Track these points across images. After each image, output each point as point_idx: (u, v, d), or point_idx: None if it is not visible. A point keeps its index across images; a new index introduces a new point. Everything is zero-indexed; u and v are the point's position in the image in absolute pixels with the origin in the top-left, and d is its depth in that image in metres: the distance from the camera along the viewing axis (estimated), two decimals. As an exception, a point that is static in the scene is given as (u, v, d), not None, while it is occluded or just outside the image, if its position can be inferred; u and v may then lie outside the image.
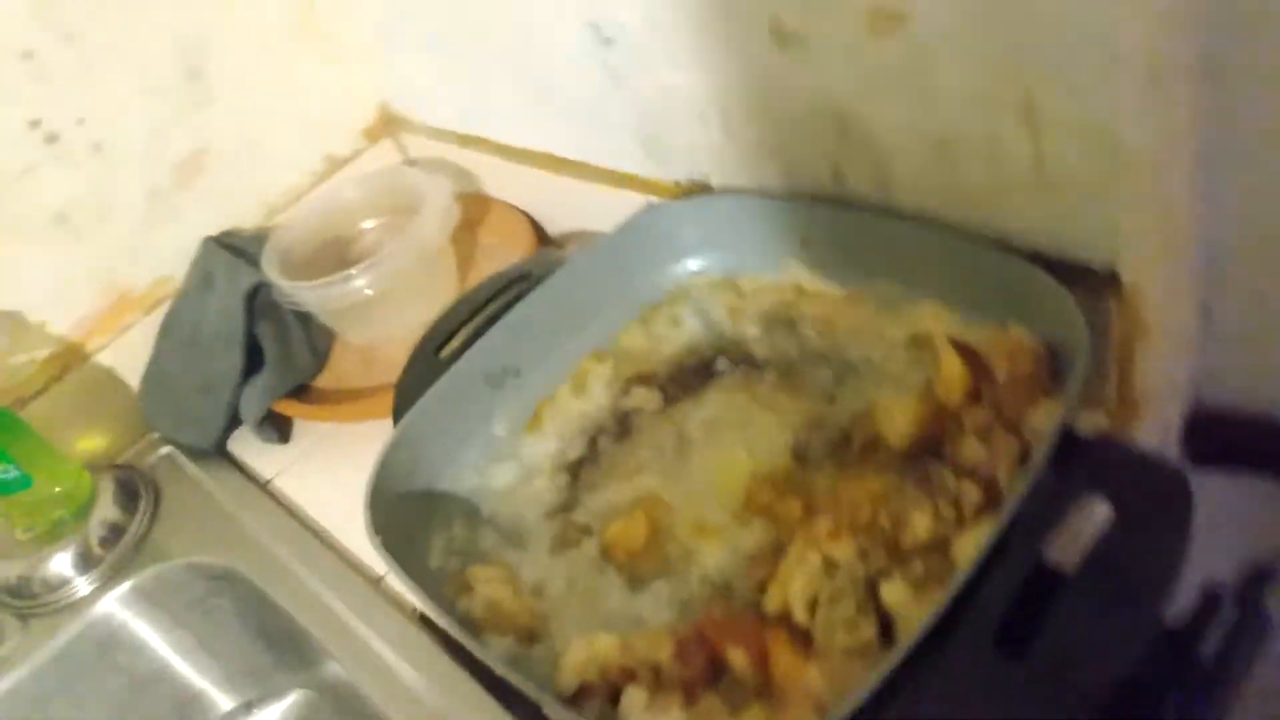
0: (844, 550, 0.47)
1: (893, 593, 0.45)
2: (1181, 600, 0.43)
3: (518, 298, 0.64)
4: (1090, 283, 0.53)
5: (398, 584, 0.51)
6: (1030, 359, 0.51)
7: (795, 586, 0.46)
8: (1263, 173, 0.54)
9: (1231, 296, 0.61)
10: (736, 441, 0.57)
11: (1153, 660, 0.40)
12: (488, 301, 0.65)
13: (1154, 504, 0.43)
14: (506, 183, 0.88)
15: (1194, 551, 0.77)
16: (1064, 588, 0.41)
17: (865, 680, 0.39)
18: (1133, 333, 0.55)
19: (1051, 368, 0.52)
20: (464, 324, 0.65)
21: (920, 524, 0.46)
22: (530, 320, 0.64)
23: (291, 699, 0.75)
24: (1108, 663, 0.39)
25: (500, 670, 0.44)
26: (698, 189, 0.71)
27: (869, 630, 0.44)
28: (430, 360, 0.63)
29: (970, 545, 0.45)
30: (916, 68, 0.51)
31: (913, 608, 0.44)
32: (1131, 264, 0.52)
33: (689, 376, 0.63)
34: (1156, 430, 0.64)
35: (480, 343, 0.62)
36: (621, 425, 0.61)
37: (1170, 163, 0.52)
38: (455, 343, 0.65)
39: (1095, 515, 0.43)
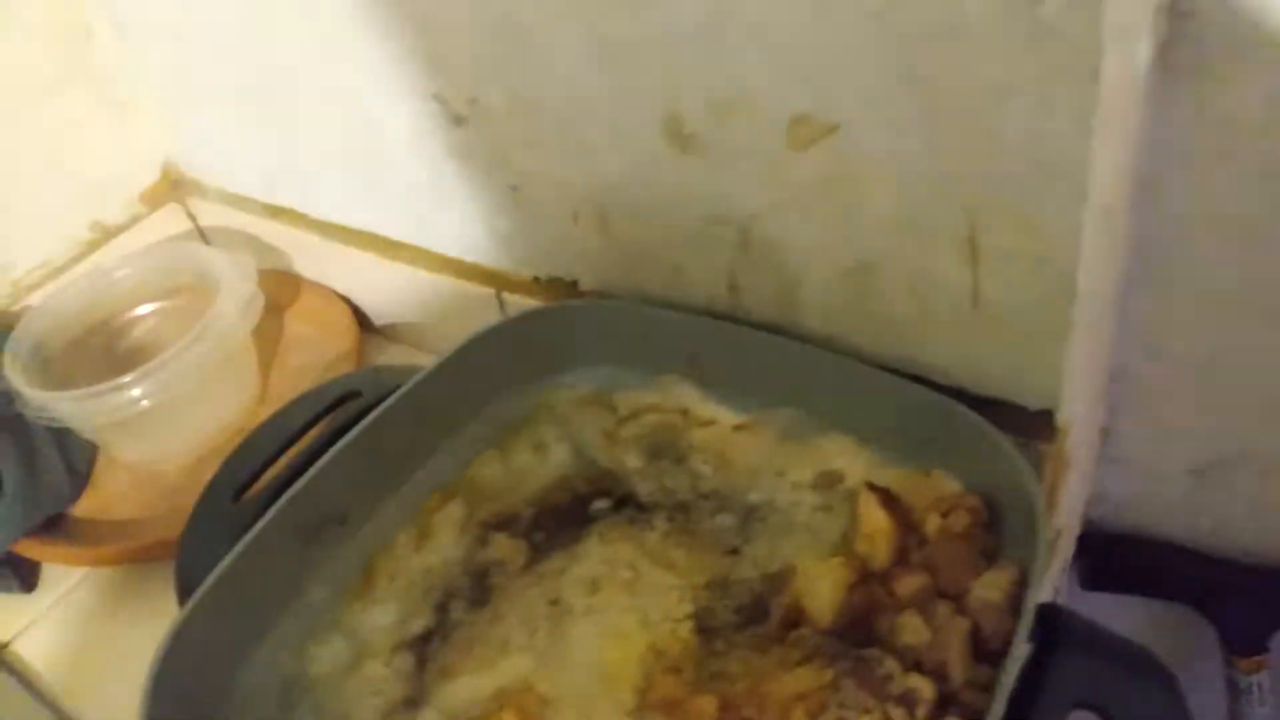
0: (777, 774, 0.38)
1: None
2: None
3: (343, 427, 0.52)
4: (1019, 422, 0.47)
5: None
6: (967, 514, 0.45)
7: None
8: (1175, 298, 0.51)
9: (1131, 420, 0.58)
10: (626, 609, 0.47)
11: None
12: (303, 429, 0.53)
13: (1156, 698, 0.37)
14: (324, 264, 0.75)
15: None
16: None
17: None
18: (1059, 472, 0.50)
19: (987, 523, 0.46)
20: (271, 460, 0.52)
21: (867, 737, 0.38)
22: (360, 455, 0.51)
23: None
24: None
25: None
26: (562, 287, 0.61)
27: None
28: (225, 509, 0.50)
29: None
30: (841, 186, 0.44)
31: None
32: (1067, 403, 0.47)
33: (561, 520, 0.52)
34: (1062, 560, 0.60)
35: (295, 488, 0.49)
36: (479, 586, 0.50)
37: (1107, 296, 0.47)
38: (261, 481, 0.52)
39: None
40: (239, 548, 0.47)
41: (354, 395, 0.54)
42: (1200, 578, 0.62)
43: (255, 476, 0.51)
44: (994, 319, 0.44)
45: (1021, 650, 0.36)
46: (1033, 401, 0.46)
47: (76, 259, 0.76)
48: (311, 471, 0.50)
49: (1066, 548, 0.59)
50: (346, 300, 0.74)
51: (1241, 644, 0.62)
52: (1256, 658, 0.61)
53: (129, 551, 0.61)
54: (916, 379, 0.48)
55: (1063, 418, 0.46)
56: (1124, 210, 0.45)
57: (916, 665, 0.40)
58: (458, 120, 0.56)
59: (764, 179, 0.46)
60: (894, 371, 0.49)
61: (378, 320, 0.74)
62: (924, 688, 0.39)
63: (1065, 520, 0.54)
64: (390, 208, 0.66)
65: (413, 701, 0.46)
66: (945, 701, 0.39)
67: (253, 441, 0.53)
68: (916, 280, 0.45)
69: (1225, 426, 0.55)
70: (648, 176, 0.50)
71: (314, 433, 0.53)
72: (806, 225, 0.47)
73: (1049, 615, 0.38)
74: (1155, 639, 0.69)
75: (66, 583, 0.63)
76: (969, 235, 0.42)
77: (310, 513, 0.50)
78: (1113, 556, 0.65)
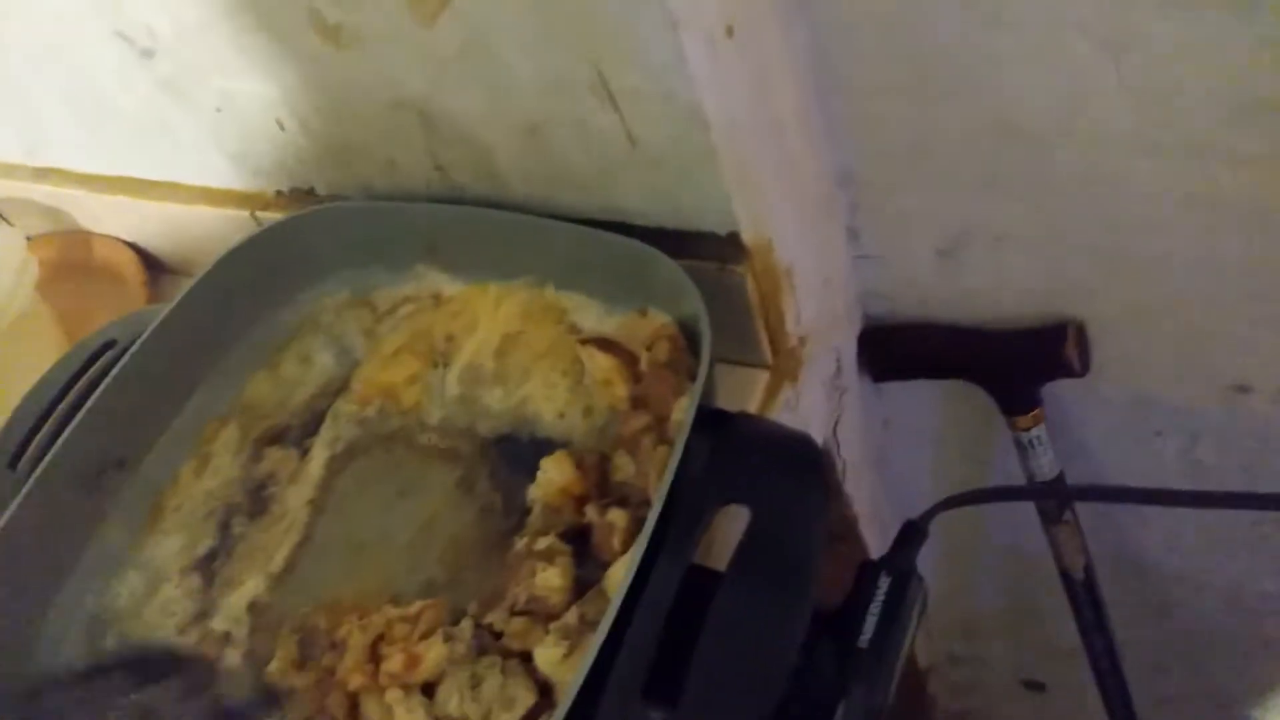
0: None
1: (546, 657, 0.40)
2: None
3: (103, 374, 0.54)
4: (717, 248, 0.49)
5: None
6: (667, 343, 0.48)
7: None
8: (866, 97, 0.52)
9: (870, 217, 0.60)
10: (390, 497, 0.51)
11: (814, 651, 0.38)
12: (68, 387, 0.54)
13: (792, 483, 0.41)
14: (100, 216, 0.75)
15: (896, 459, 0.79)
16: (719, 589, 0.38)
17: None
18: (773, 287, 0.52)
19: (693, 349, 0.48)
20: (43, 422, 0.54)
21: (553, 582, 0.42)
22: (126, 398, 0.53)
23: None
24: (768, 666, 0.36)
25: None
26: (302, 196, 0.62)
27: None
28: (4, 476, 0.52)
29: (619, 575, 0.41)
30: (478, 54, 0.44)
31: (565, 666, 0.40)
32: (752, 222, 0.49)
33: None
34: (829, 361, 0.63)
35: (62, 442, 0.51)
36: (255, 499, 0.53)
37: (771, 112, 0.48)
38: (40, 442, 0.54)
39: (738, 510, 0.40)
40: (11, 508, 0.49)
41: (111, 345, 0.56)
42: (968, 351, 0.66)
43: (28, 441, 0.53)
44: (652, 157, 0.45)
45: (677, 458, 0.39)
46: (720, 228, 0.48)
47: None
48: (72, 424, 0.52)
49: (832, 347, 0.62)
50: (134, 246, 0.75)
51: (1015, 404, 0.66)
52: (1031, 413, 0.66)
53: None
54: (620, 225, 0.50)
55: (750, 237, 0.48)
56: (774, 19, 0.46)
57: (622, 503, 0.43)
58: (146, 54, 0.55)
59: (414, 58, 0.47)
60: (598, 223, 0.50)
61: (169, 260, 0.75)
62: (620, 518, 0.42)
63: (810, 327, 0.57)
64: (128, 150, 0.66)
65: (203, 614, 0.50)
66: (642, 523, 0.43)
67: (20, 409, 0.54)
68: (579, 132, 0.46)
69: (951, 206, 0.57)
70: (320, 74, 0.50)
71: (79, 386, 0.55)
72: (469, 96, 0.47)
73: (715, 420, 0.41)
74: (947, 416, 0.74)
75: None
76: (601, 83, 0.43)
77: (82, 461, 0.52)
78: (892, 347, 0.68)
